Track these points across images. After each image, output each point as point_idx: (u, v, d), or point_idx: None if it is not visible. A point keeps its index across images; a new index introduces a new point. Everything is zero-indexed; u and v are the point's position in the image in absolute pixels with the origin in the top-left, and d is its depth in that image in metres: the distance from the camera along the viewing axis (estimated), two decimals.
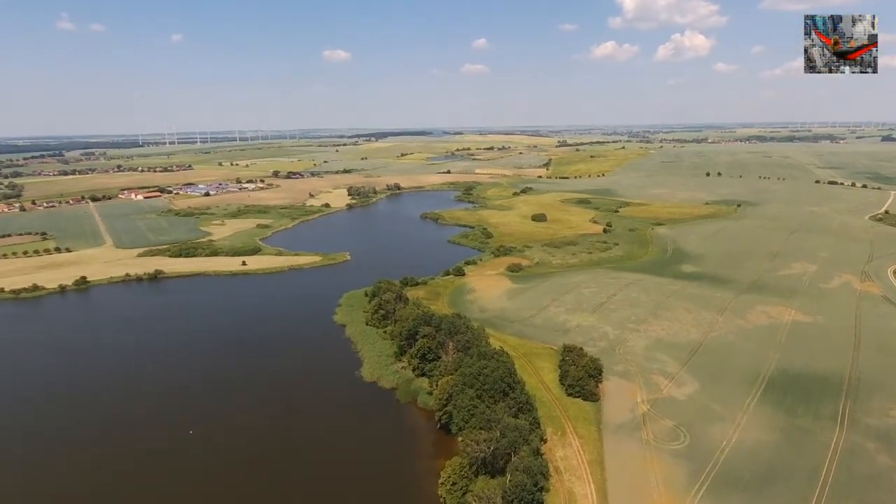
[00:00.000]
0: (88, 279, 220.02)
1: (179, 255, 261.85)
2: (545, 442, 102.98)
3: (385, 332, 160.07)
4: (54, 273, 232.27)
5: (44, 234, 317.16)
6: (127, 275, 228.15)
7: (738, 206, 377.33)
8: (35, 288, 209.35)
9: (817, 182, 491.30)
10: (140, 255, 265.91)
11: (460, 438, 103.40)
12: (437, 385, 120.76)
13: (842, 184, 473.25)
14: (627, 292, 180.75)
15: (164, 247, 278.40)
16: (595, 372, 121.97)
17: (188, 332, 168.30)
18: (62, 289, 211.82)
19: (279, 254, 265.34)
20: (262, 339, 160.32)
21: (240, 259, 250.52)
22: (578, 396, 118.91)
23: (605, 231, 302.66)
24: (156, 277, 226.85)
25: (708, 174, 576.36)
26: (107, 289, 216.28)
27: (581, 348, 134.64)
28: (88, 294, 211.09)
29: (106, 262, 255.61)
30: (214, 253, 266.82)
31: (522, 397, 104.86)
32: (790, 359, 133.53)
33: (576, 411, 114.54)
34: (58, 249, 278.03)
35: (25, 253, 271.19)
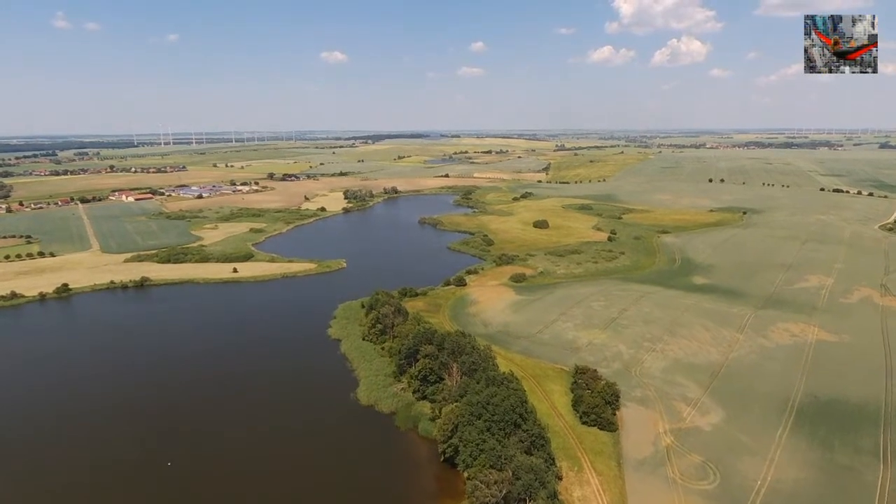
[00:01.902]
0: (70, 286, 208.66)
1: (168, 261, 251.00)
2: (560, 479, 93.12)
3: (383, 348, 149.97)
4: (35, 279, 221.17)
5: (28, 237, 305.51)
6: (111, 282, 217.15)
7: (744, 213, 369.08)
8: (13, 296, 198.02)
9: (822, 190, 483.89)
10: (127, 261, 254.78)
11: (466, 475, 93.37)
12: (439, 411, 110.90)
13: (847, 192, 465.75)
14: (639, 307, 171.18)
15: (153, 252, 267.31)
16: (612, 398, 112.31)
17: (170, 346, 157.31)
18: (42, 297, 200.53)
19: (272, 260, 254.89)
20: (251, 355, 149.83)
21: (231, 266, 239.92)
22: (594, 425, 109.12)
23: (609, 239, 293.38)
24: (142, 285, 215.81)
25: (710, 180, 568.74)
26: (89, 297, 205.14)
27: (595, 370, 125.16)
28: (69, 303, 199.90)
29: (91, 267, 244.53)
30: (205, 259, 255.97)
31: (535, 430, 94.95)
32: (819, 383, 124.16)
33: (592, 442, 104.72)
34: (41, 254, 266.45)
35: (7, 257, 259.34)
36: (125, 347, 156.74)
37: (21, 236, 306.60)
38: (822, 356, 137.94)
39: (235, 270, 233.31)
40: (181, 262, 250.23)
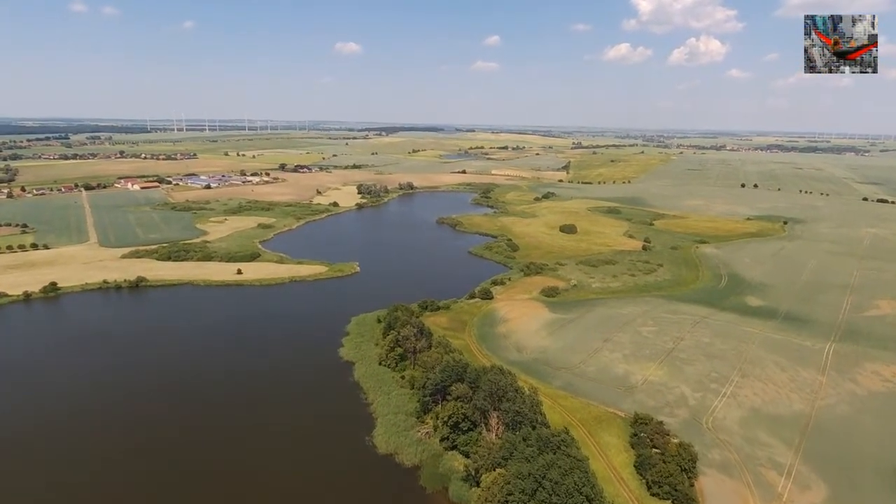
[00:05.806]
0: (59, 285, 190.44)
1: (168, 258, 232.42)
2: None
3: (402, 377, 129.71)
4: (24, 275, 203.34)
5: (24, 226, 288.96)
6: (104, 281, 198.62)
7: (785, 223, 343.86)
8: None
9: (865, 199, 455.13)
10: (124, 256, 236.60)
11: None
12: (475, 472, 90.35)
13: (893, 202, 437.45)
14: (696, 335, 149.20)
15: (153, 247, 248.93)
16: (689, 464, 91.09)
17: (155, 365, 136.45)
18: (27, 296, 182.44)
19: (280, 261, 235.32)
20: (249, 381, 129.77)
21: (235, 266, 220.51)
22: (668, 498, 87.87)
23: (644, 248, 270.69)
24: (137, 286, 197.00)
25: (743, 185, 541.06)
26: (78, 298, 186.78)
27: (660, 422, 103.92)
28: (56, 304, 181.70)
29: (85, 262, 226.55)
30: (208, 257, 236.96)
31: None
32: None
33: None
34: (34, 246, 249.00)
35: None
36: (99, 362, 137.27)
37: (17, 225, 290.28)
38: None
39: (240, 272, 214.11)
40: (182, 260, 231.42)
